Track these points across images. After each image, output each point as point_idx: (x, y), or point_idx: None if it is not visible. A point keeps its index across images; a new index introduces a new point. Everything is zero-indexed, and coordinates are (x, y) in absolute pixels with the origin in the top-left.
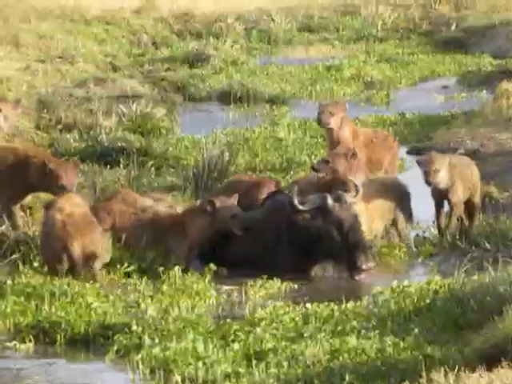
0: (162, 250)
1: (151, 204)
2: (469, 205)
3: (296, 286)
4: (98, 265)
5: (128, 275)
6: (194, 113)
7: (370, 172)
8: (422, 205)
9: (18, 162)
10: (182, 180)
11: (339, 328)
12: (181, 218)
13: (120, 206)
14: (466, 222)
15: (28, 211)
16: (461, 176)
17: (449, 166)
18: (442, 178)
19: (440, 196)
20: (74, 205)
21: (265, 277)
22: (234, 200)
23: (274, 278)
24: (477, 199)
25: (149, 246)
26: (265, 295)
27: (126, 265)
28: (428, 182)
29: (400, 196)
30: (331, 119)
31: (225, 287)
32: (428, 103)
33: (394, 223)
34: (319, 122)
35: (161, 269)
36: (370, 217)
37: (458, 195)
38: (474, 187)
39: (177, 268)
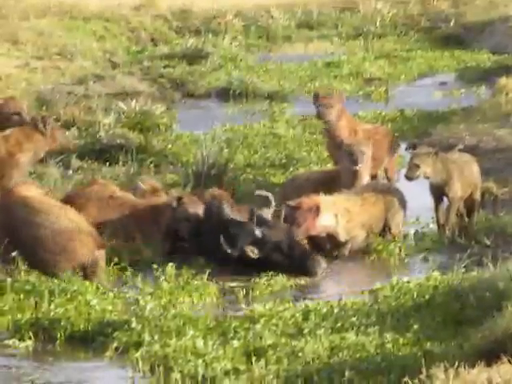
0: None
1: (128, 195)
2: (469, 201)
3: (301, 283)
4: None
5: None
6: (192, 109)
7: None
8: (422, 201)
9: None
10: (181, 177)
11: (339, 324)
12: (150, 209)
13: (95, 197)
14: (466, 219)
15: None
16: (459, 172)
17: (436, 161)
18: (424, 174)
19: (437, 192)
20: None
21: (270, 274)
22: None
23: (280, 276)
24: (477, 196)
25: (123, 237)
26: (269, 293)
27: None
28: (406, 177)
29: (392, 203)
30: (331, 111)
31: (230, 284)
32: (427, 99)
33: (388, 228)
34: (319, 114)
35: (155, 266)
36: (352, 221)
37: (456, 191)
38: (474, 184)
39: (170, 265)
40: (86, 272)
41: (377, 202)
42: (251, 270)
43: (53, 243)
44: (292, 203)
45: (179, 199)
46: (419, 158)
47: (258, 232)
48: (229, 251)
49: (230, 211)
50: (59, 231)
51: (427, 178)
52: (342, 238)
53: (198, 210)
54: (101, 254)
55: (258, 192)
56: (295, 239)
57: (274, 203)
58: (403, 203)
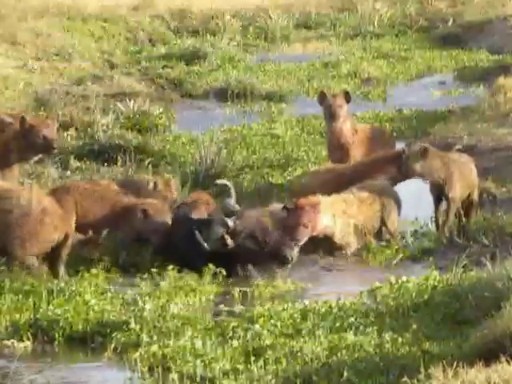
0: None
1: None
2: (468, 201)
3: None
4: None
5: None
6: (191, 110)
7: None
8: (420, 201)
9: None
10: (179, 177)
11: (337, 324)
12: (123, 209)
13: (77, 191)
14: (464, 218)
15: None
16: (459, 173)
17: (434, 160)
18: (416, 174)
19: (437, 191)
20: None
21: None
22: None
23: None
24: (475, 196)
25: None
26: (272, 295)
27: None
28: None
29: (388, 203)
30: (341, 112)
31: (238, 289)
32: (425, 99)
33: (384, 225)
34: (332, 115)
35: (154, 270)
36: (348, 223)
37: (455, 191)
38: (473, 184)
39: (171, 267)
40: (53, 257)
41: (373, 202)
42: (224, 266)
43: (20, 227)
44: (291, 205)
45: (144, 211)
46: (407, 155)
47: (230, 222)
48: (205, 245)
49: (196, 217)
50: (26, 215)
51: (422, 177)
52: (338, 239)
53: (165, 219)
54: (68, 241)
55: (218, 181)
56: (266, 227)
57: (233, 192)
58: (398, 202)
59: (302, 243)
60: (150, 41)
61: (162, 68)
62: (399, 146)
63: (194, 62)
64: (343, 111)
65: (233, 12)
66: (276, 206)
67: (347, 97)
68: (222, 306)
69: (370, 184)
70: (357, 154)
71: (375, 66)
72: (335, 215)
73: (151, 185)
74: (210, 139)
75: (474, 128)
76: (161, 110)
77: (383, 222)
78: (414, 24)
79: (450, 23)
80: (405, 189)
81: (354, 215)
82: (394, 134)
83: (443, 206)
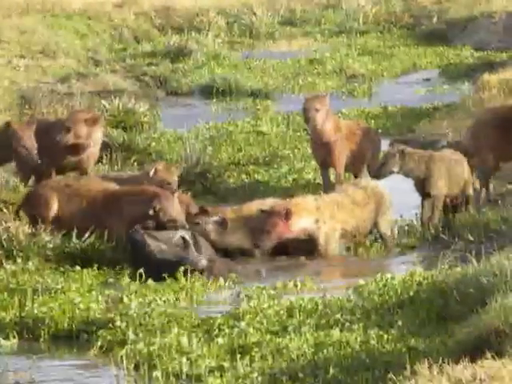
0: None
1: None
2: (462, 197)
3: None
4: None
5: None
6: (176, 107)
7: (352, 165)
8: (406, 197)
9: None
10: None
11: (323, 321)
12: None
13: (57, 186)
14: (450, 215)
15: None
16: (443, 170)
17: (411, 158)
18: (390, 172)
19: (419, 188)
20: None
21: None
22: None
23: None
24: (470, 191)
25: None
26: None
27: None
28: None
29: (383, 204)
30: (317, 115)
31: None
32: (410, 96)
33: (377, 228)
34: (306, 119)
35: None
36: (336, 228)
37: (438, 189)
38: (465, 182)
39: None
40: None
41: (368, 204)
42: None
43: None
44: (266, 208)
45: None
46: (385, 156)
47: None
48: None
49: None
50: None
51: (407, 175)
52: (322, 242)
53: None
54: None
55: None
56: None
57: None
58: (391, 203)
59: (266, 248)
60: (134, 38)
61: (147, 65)
62: (384, 142)
63: (179, 59)
64: (320, 114)
65: (217, 9)
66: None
67: (326, 98)
68: (209, 303)
69: (365, 184)
70: (342, 150)
71: (360, 63)
72: (319, 220)
73: (152, 171)
74: (195, 136)
75: (459, 125)
76: (146, 107)
77: (376, 225)
78: (398, 21)
79: (435, 20)
80: (388, 185)
81: (344, 220)
82: (379, 130)
83: (430, 202)
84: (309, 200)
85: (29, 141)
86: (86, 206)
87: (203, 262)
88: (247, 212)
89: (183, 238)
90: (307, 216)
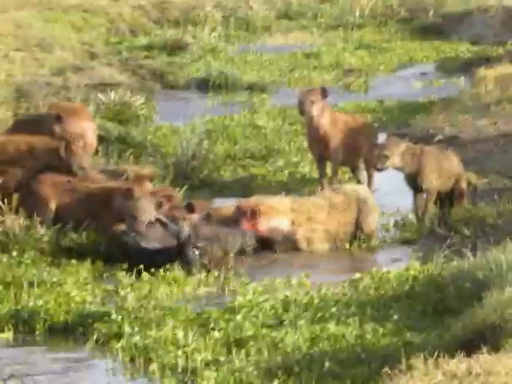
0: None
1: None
2: (456, 191)
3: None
4: None
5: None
6: (172, 101)
7: (349, 159)
8: (402, 191)
9: None
10: (161, 168)
11: (319, 315)
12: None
13: (50, 182)
14: (446, 209)
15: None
16: (435, 164)
17: (405, 152)
18: (393, 164)
19: (411, 183)
20: None
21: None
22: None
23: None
24: (463, 185)
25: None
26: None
27: None
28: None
29: (364, 207)
30: (313, 108)
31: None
32: (406, 90)
33: (361, 231)
34: (301, 111)
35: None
36: (315, 230)
37: (430, 182)
38: (455, 175)
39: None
40: None
41: (348, 209)
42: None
43: None
44: (241, 205)
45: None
46: (388, 148)
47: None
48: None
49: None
50: None
51: (397, 169)
52: (302, 246)
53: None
54: None
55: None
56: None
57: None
58: (376, 206)
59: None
60: (130, 31)
61: (143, 59)
62: (381, 136)
63: (176, 52)
64: (315, 107)
65: (214, 2)
66: None
67: (323, 92)
68: (204, 296)
69: (346, 189)
70: (338, 144)
71: (357, 57)
72: (295, 222)
73: (124, 176)
74: (191, 130)
75: (455, 119)
76: (142, 100)
77: (360, 228)
78: (395, 15)
79: (432, 14)
80: (384, 179)
81: (323, 221)
82: (376, 124)
83: (423, 196)
84: (284, 201)
85: None
86: (82, 200)
87: (186, 230)
88: (227, 212)
89: (159, 220)
90: (279, 217)
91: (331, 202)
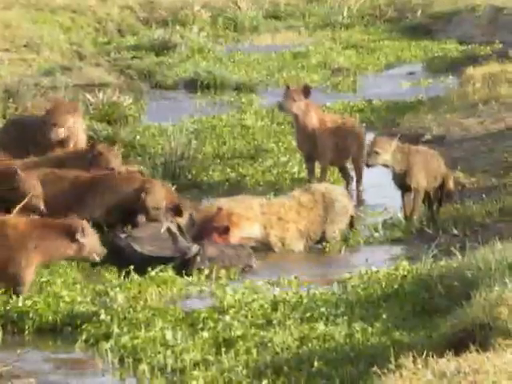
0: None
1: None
2: (443, 190)
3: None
4: None
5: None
6: (160, 101)
7: (337, 158)
8: (390, 190)
9: None
10: (149, 168)
11: (308, 314)
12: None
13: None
14: (434, 208)
15: None
16: (422, 164)
17: (396, 149)
18: (384, 161)
19: (399, 182)
20: None
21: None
22: None
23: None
24: (450, 185)
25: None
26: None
27: None
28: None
29: (331, 208)
30: (293, 105)
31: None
32: (394, 89)
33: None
34: (280, 107)
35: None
36: (287, 230)
37: (418, 181)
38: (441, 175)
39: None
40: None
41: (314, 207)
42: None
43: None
44: (213, 217)
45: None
46: (379, 145)
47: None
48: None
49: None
50: None
51: (386, 166)
52: (277, 247)
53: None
54: None
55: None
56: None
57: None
58: (345, 208)
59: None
60: (119, 31)
61: (132, 59)
62: (369, 136)
63: (164, 52)
64: (296, 105)
65: (202, 3)
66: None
67: (306, 90)
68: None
69: (313, 188)
70: (326, 143)
71: (345, 57)
72: (267, 226)
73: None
74: (179, 130)
75: (443, 118)
76: (130, 100)
77: (324, 230)
78: (383, 15)
79: (419, 14)
80: (373, 177)
81: (294, 219)
82: (364, 124)
83: (411, 196)
84: (254, 206)
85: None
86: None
87: (194, 248)
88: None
89: (169, 230)
90: (250, 225)
91: (299, 200)
